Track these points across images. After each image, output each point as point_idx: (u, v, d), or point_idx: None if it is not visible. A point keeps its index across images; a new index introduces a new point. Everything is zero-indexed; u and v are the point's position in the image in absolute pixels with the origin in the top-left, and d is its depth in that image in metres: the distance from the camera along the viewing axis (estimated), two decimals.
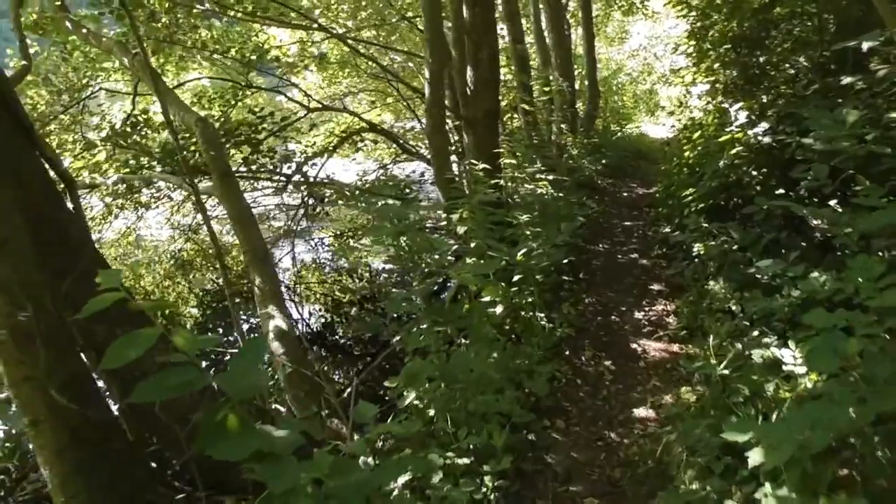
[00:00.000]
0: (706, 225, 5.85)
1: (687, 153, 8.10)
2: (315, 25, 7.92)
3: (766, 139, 5.58)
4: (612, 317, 5.61)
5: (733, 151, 5.73)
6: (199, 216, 8.73)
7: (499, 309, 4.80)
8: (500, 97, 11.66)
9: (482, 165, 5.18)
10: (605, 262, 7.21)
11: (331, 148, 8.56)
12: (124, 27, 7.63)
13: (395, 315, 5.42)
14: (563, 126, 11.10)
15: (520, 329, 4.79)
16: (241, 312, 7.50)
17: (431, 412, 3.34)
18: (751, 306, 4.31)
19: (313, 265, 9.69)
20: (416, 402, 3.34)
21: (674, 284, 6.13)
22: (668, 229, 6.92)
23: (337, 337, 7.67)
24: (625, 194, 10.90)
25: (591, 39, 15.25)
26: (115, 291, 1.32)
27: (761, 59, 6.78)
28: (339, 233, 9.99)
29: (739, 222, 5.60)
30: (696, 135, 7.77)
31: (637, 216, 9.37)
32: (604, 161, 11.04)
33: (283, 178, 8.20)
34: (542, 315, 4.85)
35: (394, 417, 3.44)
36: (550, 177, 5.80)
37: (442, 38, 5.57)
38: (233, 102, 7.79)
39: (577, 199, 7.38)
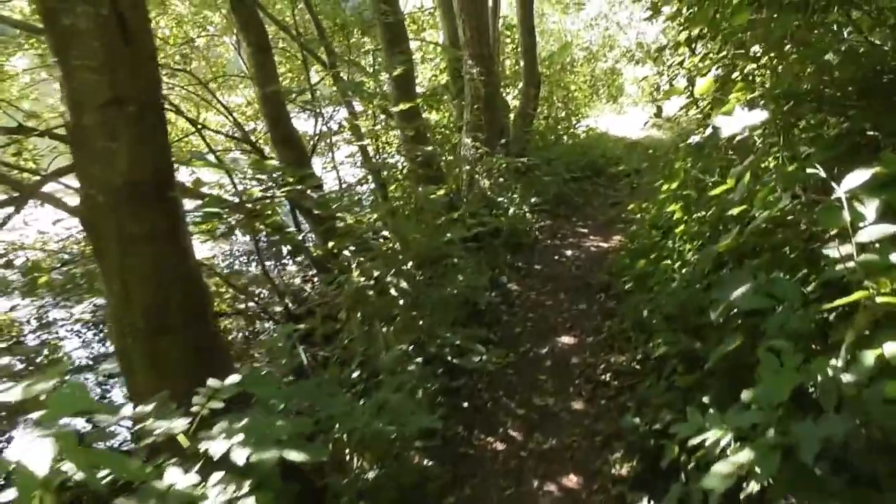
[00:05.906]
0: None
1: (677, 214, 4.08)
2: None
3: None
4: None
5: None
6: None
7: None
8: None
9: None
10: None
11: None
12: None
13: None
14: (469, 141, 6.90)
15: None
16: None
17: None
18: None
19: None
20: None
21: None
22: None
23: None
24: (568, 253, 6.77)
25: (530, 3, 10.99)
26: None
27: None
28: None
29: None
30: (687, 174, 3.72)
31: (584, 314, 5.27)
32: (533, 200, 6.87)
33: None
34: None
35: None
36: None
37: None
38: None
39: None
